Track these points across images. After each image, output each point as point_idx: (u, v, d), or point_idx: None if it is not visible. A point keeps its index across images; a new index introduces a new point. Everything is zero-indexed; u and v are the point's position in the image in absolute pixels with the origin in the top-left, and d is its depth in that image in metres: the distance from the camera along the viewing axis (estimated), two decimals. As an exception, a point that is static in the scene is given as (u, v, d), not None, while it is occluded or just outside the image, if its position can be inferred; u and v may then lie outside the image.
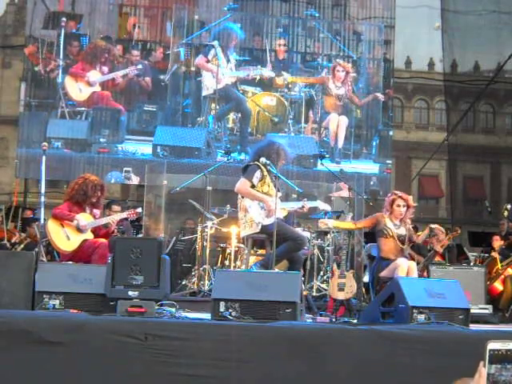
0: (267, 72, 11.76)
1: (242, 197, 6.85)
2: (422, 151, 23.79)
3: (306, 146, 11.61)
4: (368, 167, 11.93)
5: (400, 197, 7.11)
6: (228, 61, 11.61)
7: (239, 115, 11.74)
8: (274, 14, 12.32)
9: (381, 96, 12.15)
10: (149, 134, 11.61)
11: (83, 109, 11.62)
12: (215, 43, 11.76)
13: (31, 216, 10.87)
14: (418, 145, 25.71)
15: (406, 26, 16.77)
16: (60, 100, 11.56)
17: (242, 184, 6.80)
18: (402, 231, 7.05)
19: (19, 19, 23.16)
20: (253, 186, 6.77)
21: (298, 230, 8.54)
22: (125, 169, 11.39)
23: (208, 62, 11.54)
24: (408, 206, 7.08)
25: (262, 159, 6.75)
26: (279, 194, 6.92)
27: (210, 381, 4.70)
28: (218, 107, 11.63)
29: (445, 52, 14.94)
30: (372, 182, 9.56)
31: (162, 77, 11.86)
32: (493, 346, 1.54)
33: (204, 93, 11.68)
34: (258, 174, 6.80)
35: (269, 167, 6.90)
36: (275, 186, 6.77)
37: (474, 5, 14.72)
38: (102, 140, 11.50)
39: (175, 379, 4.69)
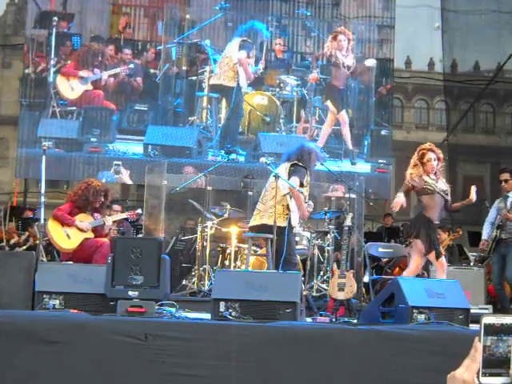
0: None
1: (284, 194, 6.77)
2: (422, 151, 23.73)
3: (298, 142, 11.57)
4: (359, 166, 11.89)
5: (430, 150, 6.83)
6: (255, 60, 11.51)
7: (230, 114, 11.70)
8: (265, 12, 12.27)
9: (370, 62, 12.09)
10: (140, 133, 11.59)
11: (74, 108, 11.59)
12: (207, 42, 11.74)
13: (31, 216, 10.87)
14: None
15: (406, 26, 16.78)
16: (51, 99, 11.52)
17: (295, 182, 6.69)
18: (443, 186, 6.77)
19: (19, 19, 23.18)
20: (302, 186, 6.75)
21: (299, 229, 8.59)
22: (115, 162, 11.35)
23: (249, 57, 11.37)
24: (439, 159, 6.82)
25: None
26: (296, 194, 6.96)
27: (209, 381, 4.70)
28: (209, 106, 11.59)
29: (445, 52, 14.94)
30: (357, 183, 9.52)
31: (150, 77, 11.81)
32: (488, 320, 1.55)
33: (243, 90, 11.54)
34: (306, 177, 6.82)
35: (268, 166, 6.94)
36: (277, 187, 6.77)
37: (474, 4, 14.72)
38: (93, 139, 11.46)
39: (175, 379, 4.69)
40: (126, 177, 11.48)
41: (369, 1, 12.55)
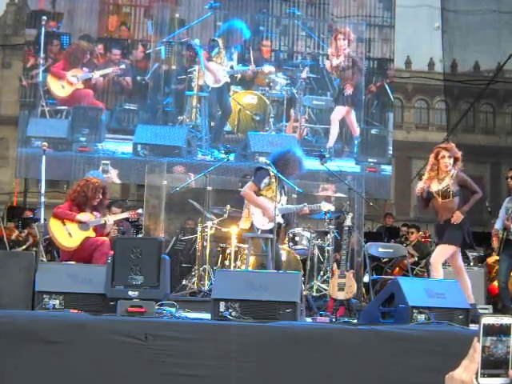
0: (268, 68, 11.70)
1: None
2: (422, 151, 23.75)
3: (287, 144, 11.57)
4: (349, 165, 11.86)
5: (444, 148, 6.81)
6: (230, 59, 11.52)
7: (219, 113, 11.70)
8: (254, 11, 12.25)
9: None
10: (129, 132, 11.57)
11: (63, 107, 11.57)
12: (197, 41, 11.74)
13: (31, 216, 10.87)
14: (417, 145, 25.68)
15: (406, 26, 16.77)
16: (40, 99, 11.49)
17: (248, 187, 7.10)
18: (444, 184, 6.73)
19: (19, 19, 23.18)
20: (259, 190, 6.97)
21: (298, 229, 8.62)
22: (103, 162, 11.34)
23: (210, 57, 11.40)
24: (455, 158, 6.78)
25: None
26: (284, 198, 7.19)
27: (209, 381, 4.69)
28: (199, 105, 11.58)
29: (445, 52, 14.93)
30: (346, 181, 9.52)
31: (139, 77, 11.79)
32: (487, 320, 1.55)
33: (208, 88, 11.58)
34: (266, 179, 7.00)
35: (268, 166, 6.98)
36: (282, 191, 7.11)
37: (474, 4, 14.71)
38: (82, 139, 11.44)
39: (175, 379, 4.69)
40: (114, 176, 11.47)
41: (369, 1, 12.54)
